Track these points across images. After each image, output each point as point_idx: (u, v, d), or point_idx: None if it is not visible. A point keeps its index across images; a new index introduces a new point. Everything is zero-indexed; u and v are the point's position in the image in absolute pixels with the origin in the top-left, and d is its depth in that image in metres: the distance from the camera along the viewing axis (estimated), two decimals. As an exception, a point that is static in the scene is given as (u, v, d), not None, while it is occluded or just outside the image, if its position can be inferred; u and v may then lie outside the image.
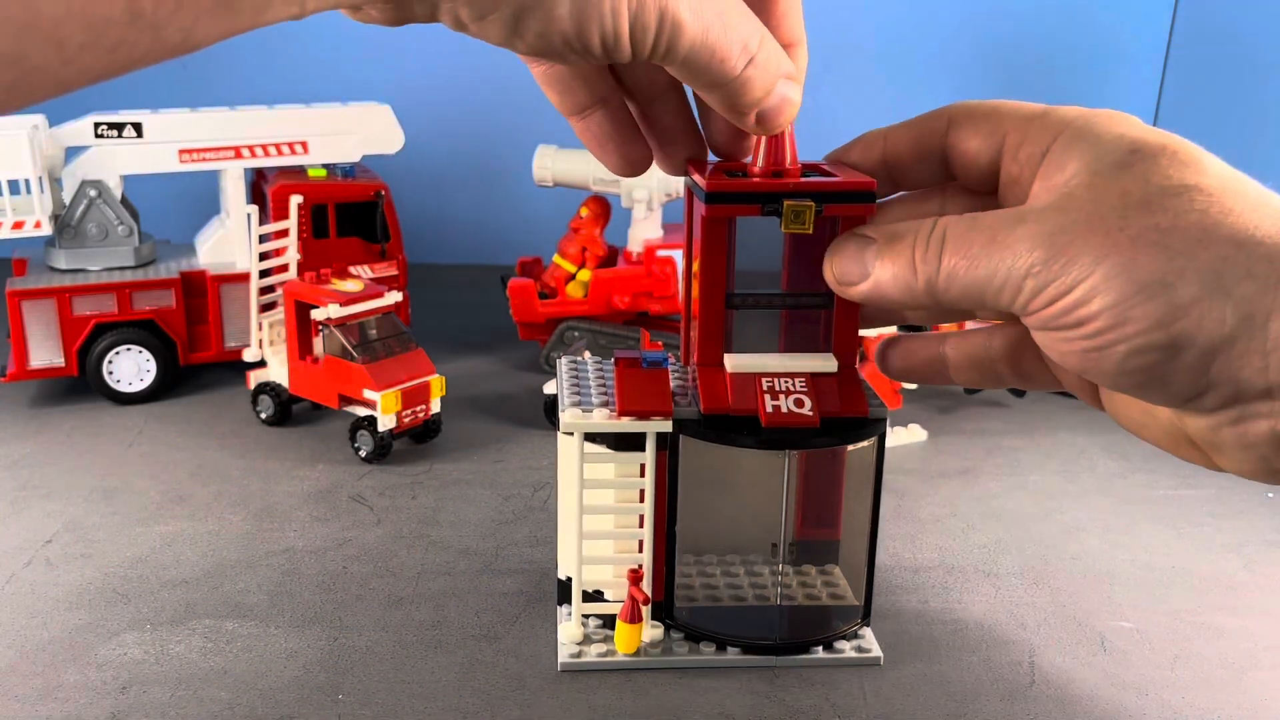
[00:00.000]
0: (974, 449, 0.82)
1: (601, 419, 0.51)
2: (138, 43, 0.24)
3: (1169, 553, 0.67)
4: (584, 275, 0.93)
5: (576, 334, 0.93)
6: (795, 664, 0.54)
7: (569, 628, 0.55)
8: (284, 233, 0.88)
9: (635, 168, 0.43)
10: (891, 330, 0.75)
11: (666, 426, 0.51)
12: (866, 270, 0.40)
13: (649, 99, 0.43)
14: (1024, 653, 0.56)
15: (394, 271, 0.98)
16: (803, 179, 0.45)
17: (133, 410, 0.87)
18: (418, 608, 0.59)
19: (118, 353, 0.88)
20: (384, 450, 0.76)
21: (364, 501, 0.71)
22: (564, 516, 0.54)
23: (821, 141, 0.47)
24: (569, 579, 0.54)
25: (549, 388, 0.84)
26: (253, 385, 0.85)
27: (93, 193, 0.89)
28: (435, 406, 0.79)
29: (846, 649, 0.54)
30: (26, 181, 0.88)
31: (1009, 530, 0.69)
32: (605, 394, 0.54)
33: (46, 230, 0.89)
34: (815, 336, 0.50)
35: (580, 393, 0.54)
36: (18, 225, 0.88)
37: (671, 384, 0.52)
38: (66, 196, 0.90)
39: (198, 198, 1.07)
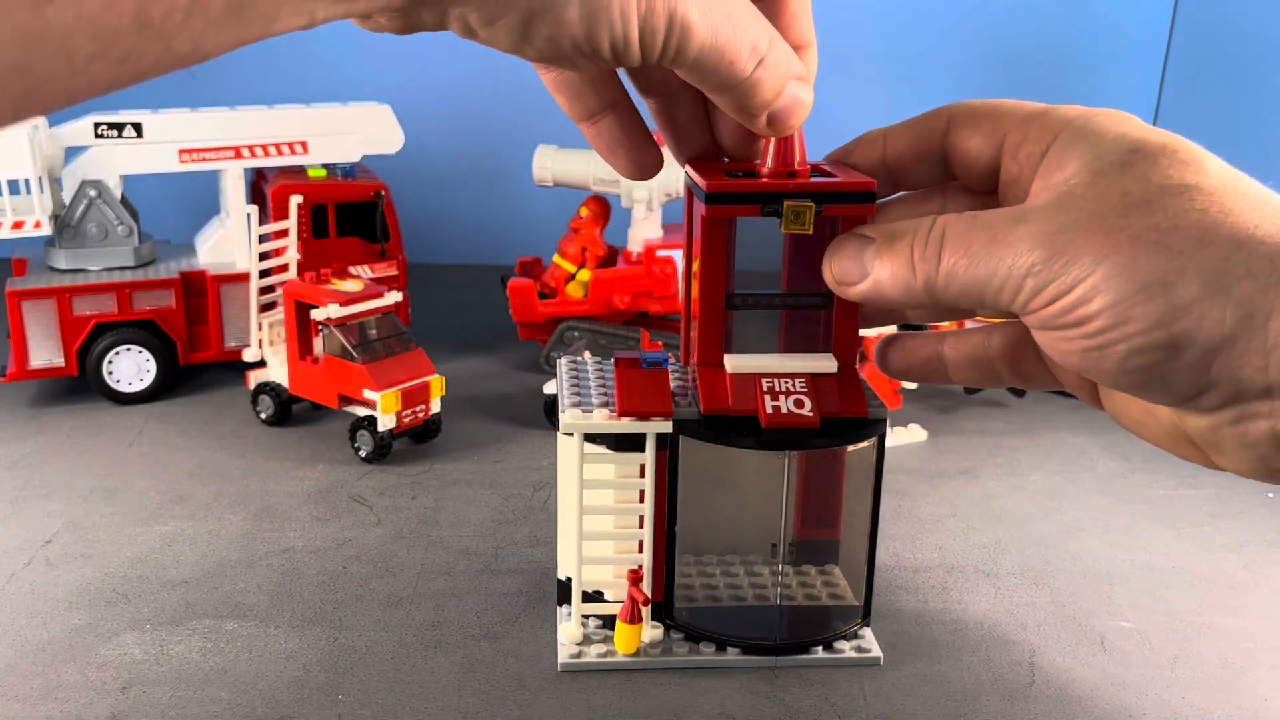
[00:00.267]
0: (974, 449, 0.82)
1: (601, 419, 0.51)
2: (147, 53, 0.24)
3: (1169, 553, 0.67)
4: (584, 275, 0.93)
5: (576, 334, 0.93)
6: (795, 664, 0.54)
7: (569, 628, 0.55)
8: (284, 233, 0.88)
9: (646, 171, 0.43)
10: (891, 329, 0.75)
11: (666, 427, 0.51)
12: (866, 270, 0.40)
13: (666, 95, 0.43)
14: (1024, 653, 0.56)
15: (394, 271, 0.98)
16: (804, 179, 0.45)
17: (133, 410, 0.87)
18: (418, 608, 0.59)
19: (118, 353, 0.88)
20: (384, 450, 0.76)
21: (364, 501, 0.71)
22: (564, 517, 0.54)
23: (822, 141, 0.47)
24: (569, 579, 0.54)
25: (549, 388, 0.84)
26: (253, 385, 0.85)
27: (93, 193, 0.89)
28: (435, 406, 0.79)
29: (846, 649, 0.54)
30: (26, 181, 0.88)
31: (1009, 530, 0.69)
32: (605, 394, 0.54)
33: (46, 230, 0.89)
34: (815, 337, 0.50)
35: (580, 393, 0.54)
36: (18, 225, 0.88)
37: (671, 384, 0.52)
38: (66, 196, 0.90)
39: (198, 198, 1.07)
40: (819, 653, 0.54)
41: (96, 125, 0.89)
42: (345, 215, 0.96)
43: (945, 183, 0.44)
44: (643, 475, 0.52)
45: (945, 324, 0.78)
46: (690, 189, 0.48)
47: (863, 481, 0.53)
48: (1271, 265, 0.32)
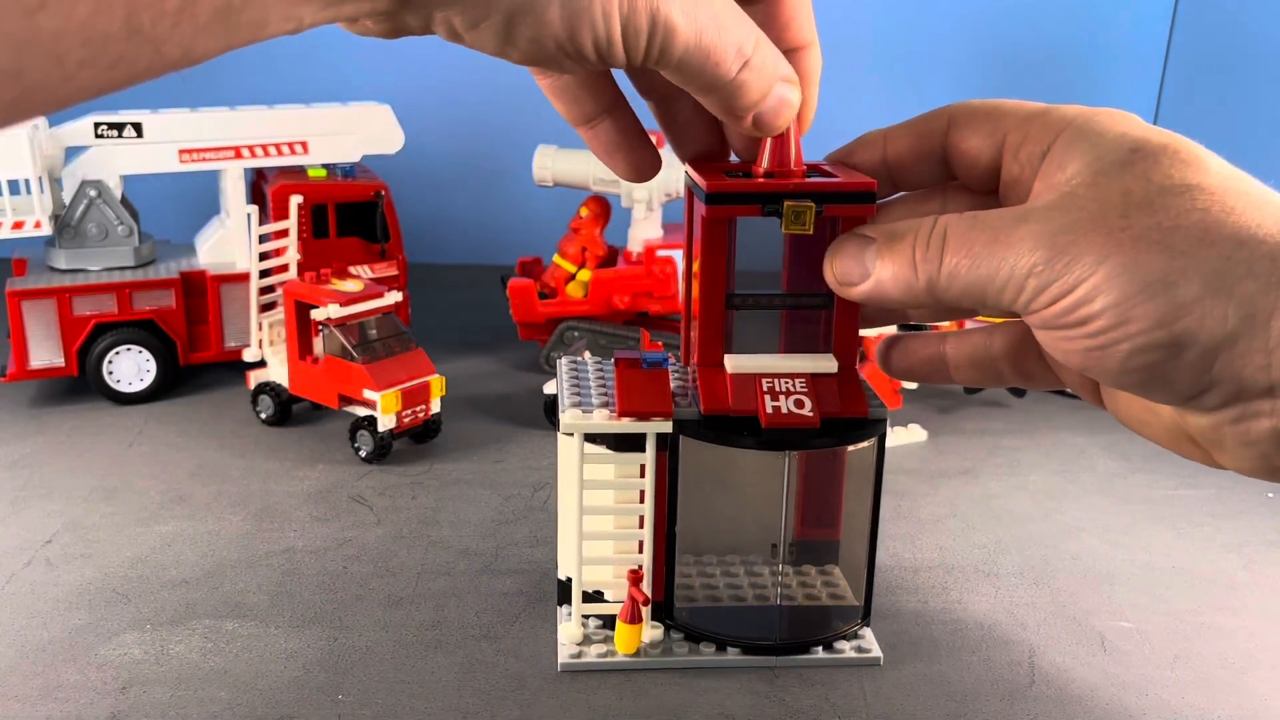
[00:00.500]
0: (974, 449, 0.82)
1: (601, 420, 0.51)
2: (138, 58, 0.24)
3: (1169, 553, 0.67)
4: (584, 275, 0.93)
5: (576, 334, 0.93)
6: (795, 664, 0.54)
7: (569, 628, 0.55)
8: (284, 233, 0.88)
9: (644, 174, 0.43)
10: (892, 330, 0.75)
11: (666, 427, 0.51)
12: (867, 270, 0.40)
13: (666, 96, 0.43)
14: (1024, 653, 0.56)
15: (394, 271, 0.98)
16: (803, 179, 0.45)
17: (133, 410, 0.87)
18: (418, 608, 0.59)
19: (118, 353, 0.88)
20: (384, 450, 0.76)
21: (364, 501, 0.71)
22: (564, 517, 0.54)
23: (822, 141, 0.47)
24: (569, 579, 0.54)
25: (549, 388, 0.84)
26: (253, 385, 0.85)
27: (93, 193, 0.89)
28: (435, 406, 0.79)
29: (846, 649, 0.54)
30: (26, 181, 0.88)
31: (1009, 530, 0.69)
32: (605, 394, 0.54)
33: (46, 230, 0.89)
34: (815, 337, 0.50)
35: (580, 393, 0.54)
36: (18, 225, 0.88)
37: (671, 384, 0.52)
38: (66, 196, 0.90)
39: (198, 198, 1.07)
40: (819, 653, 0.54)
41: (96, 125, 0.89)
42: (345, 215, 0.96)
43: (946, 183, 0.44)
44: (643, 475, 0.52)
45: (945, 324, 0.78)
46: (690, 189, 0.48)
47: (863, 481, 0.53)
48: (1273, 264, 0.32)
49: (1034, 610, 0.60)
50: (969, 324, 0.76)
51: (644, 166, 0.43)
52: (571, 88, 0.40)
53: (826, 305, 0.49)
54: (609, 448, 0.52)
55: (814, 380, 0.49)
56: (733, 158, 0.46)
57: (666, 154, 0.47)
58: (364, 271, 0.95)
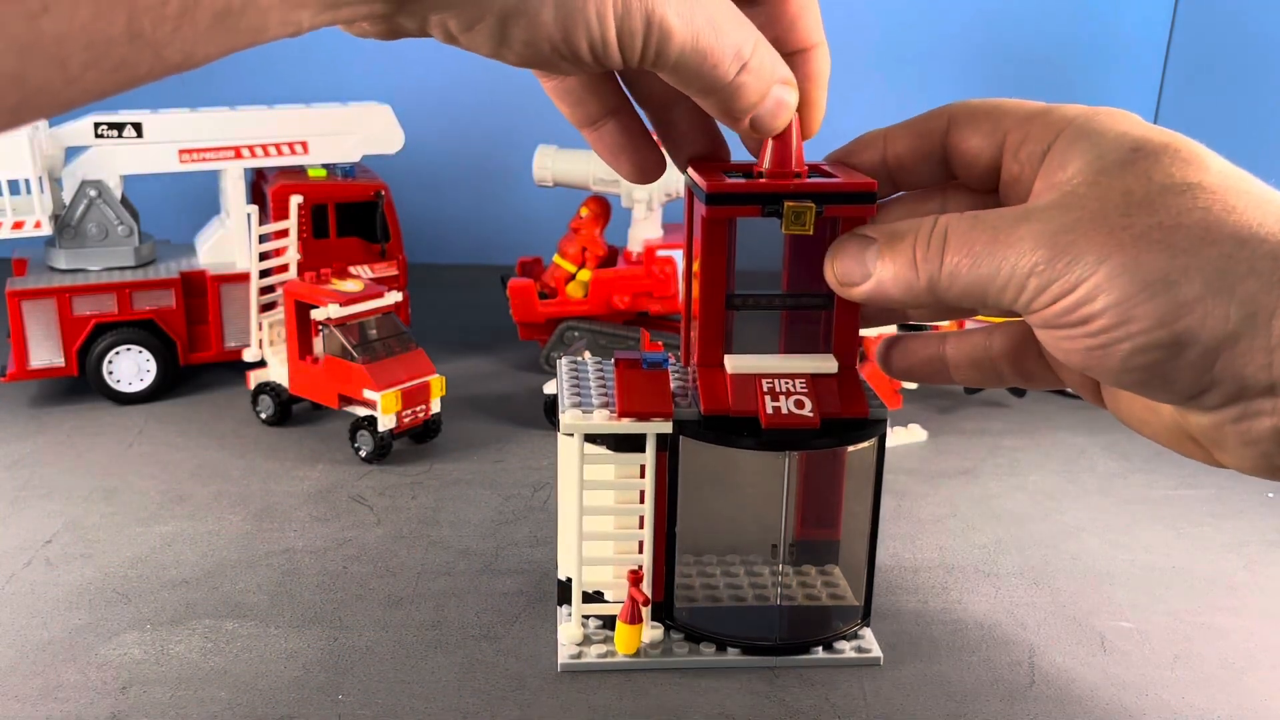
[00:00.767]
0: (974, 449, 0.82)
1: (602, 420, 0.51)
2: (139, 62, 0.24)
3: (1169, 553, 0.67)
4: (584, 275, 0.93)
5: (576, 334, 0.93)
6: (795, 664, 0.54)
7: (569, 628, 0.55)
8: (284, 233, 0.88)
9: (648, 175, 0.43)
10: (892, 330, 0.75)
11: (667, 427, 0.51)
12: (868, 270, 0.40)
13: (662, 105, 0.43)
14: (1024, 653, 0.56)
15: (394, 271, 0.98)
16: (803, 180, 0.45)
17: (133, 410, 0.87)
18: (418, 608, 0.59)
19: (118, 353, 0.88)
20: (384, 450, 0.76)
21: (364, 501, 0.71)
22: (564, 517, 0.54)
23: (823, 141, 0.47)
24: (569, 579, 0.54)
25: (549, 388, 0.84)
26: (253, 385, 0.85)
27: (93, 193, 0.89)
28: (435, 406, 0.79)
29: (846, 649, 0.54)
30: (26, 181, 0.88)
31: (1009, 530, 0.69)
32: (605, 395, 0.54)
33: (46, 230, 0.89)
34: (815, 337, 0.50)
35: (580, 393, 0.54)
36: (18, 225, 0.88)
37: (671, 385, 0.52)
38: (66, 196, 0.90)
39: (198, 198, 1.07)
40: (819, 653, 0.54)
41: (96, 125, 0.89)
42: (345, 215, 0.96)
43: (946, 182, 0.44)
44: (643, 476, 0.52)
45: (945, 324, 0.78)
46: (690, 189, 0.48)
47: (863, 481, 0.53)
48: (1275, 263, 0.32)
49: (1034, 610, 0.60)
50: (969, 324, 0.76)
51: (648, 168, 0.43)
52: (575, 90, 0.41)
53: (826, 305, 0.49)
54: (609, 448, 0.52)
55: (814, 380, 0.49)
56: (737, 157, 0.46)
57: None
58: (364, 271, 0.95)
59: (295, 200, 0.89)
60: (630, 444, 0.52)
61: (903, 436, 0.82)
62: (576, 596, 0.54)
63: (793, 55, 0.40)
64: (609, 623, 0.55)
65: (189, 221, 1.03)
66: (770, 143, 0.44)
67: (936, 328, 0.78)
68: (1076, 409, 0.90)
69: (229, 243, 0.94)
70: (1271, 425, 0.34)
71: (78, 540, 0.65)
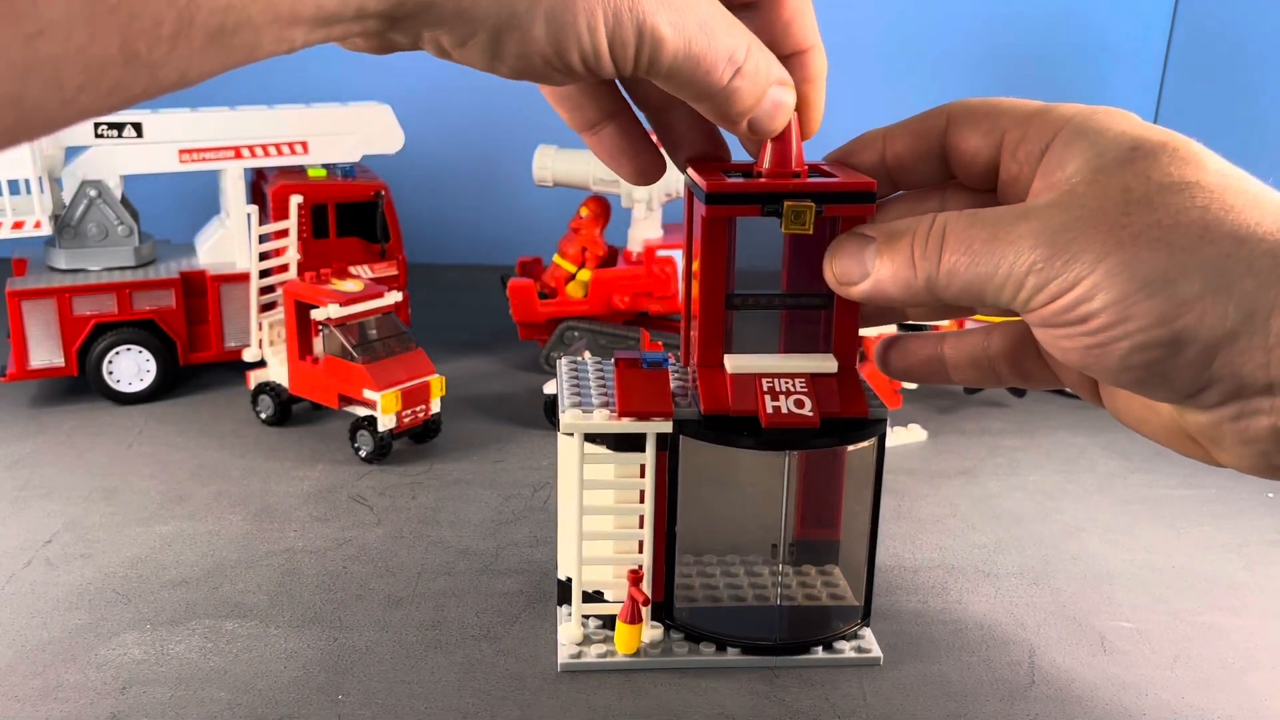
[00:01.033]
0: (974, 449, 0.82)
1: (601, 420, 0.51)
2: (135, 82, 0.24)
3: (1169, 553, 0.67)
4: (584, 275, 0.93)
5: (576, 334, 0.93)
6: (795, 664, 0.54)
7: (569, 628, 0.55)
8: (284, 233, 0.88)
9: (649, 177, 0.43)
10: (891, 329, 0.75)
11: (666, 427, 0.51)
12: (866, 269, 0.40)
13: (660, 108, 0.43)
14: (1024, 653, 0.56)
15: (394, 271, 0.98)
16: (803, 179, 0.45)
17: (133, 410, 0.87)
18: (418, 608, 0.59)
19: (118, 353, 0.88)
20: (384, 450, 0.76)
21: (364, 501, 0.71)
22: (564, 517, 0.54)
23: (822, 141, 0.47)
24: (569, 579, 0.54)
25: (549, 388, 0.84)
26: (253, 385, 0.85)
27: (93, 193, 0.89)
28: (435, 406, 0.79)
29: (846, 649, 0.54)
30: (26, 181, 0.88)
31: (1009, 530, 0.69)
32: (605, 394, 0.54)
33: (46, 230, 0.89)
34: (815, 337, 0.50)
35: (580, 393, 0.54)
36: (18, 225, 0.88)
37: (671, 384, 0.52)
38: (66, 196, 0.90)
39: (198, 198, 1.07)
40: (819, 653, 0.54)
41: (96, 125, 0.89)
42: (345, 215, 0.96)
43: (945, 182, 0.44)
44: (643, 475, 0.52)
45: (945, 324, 0.78)
46: (690, 189, 0.48)
47: (863, 481, 0.53)
48: (1273, 262, 0.32)
49: (1034, 610, 0.60)
50: (968, 324, 0.76)
51: (649, 170, 0.43)
52: (574, 95, 0.41)
53: (826, 305, 0.49)
54: (609, 448, 0.52)
55: (814, 380, 0.49)
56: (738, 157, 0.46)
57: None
58: (364, 271, 0.95)
59: (295, 200, 0.89)
60: (630, 443, 0.52)
61: (903, 436, 0.82)
62: (576, 596, 0.54)
63: (789, 58, 0.40)
64: (609, 622, 0.55)
65: (189, 221, 1.03)
66: (770, 143, 0.44)
67: (936, 328, 0.78)
68: (1076, 409, 0.90)
69: (229, 243, 0.95)
70: (1270, 424, 0.34)
71: (78, 540, 0.65)
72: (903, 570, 0.64)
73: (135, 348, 0.89)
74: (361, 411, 0.78)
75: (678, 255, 0.91)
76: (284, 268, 0.88)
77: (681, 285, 0.57)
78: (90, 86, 0.23)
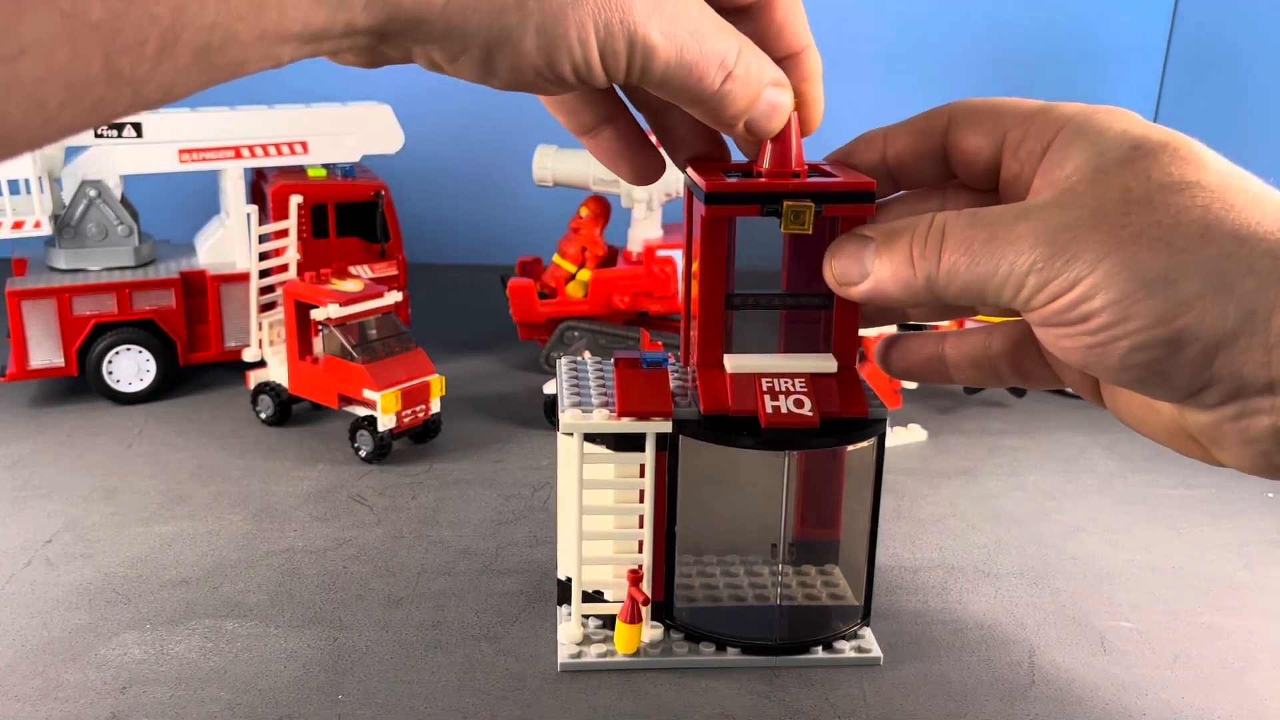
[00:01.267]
0: (974, 449, 0.82)
1: (601, 419, 0.51)
2: (118, 99, 0.24)
3: (1169, 553, 0.67)
4: (584, 275, 0.93)
5: (576, 334, 0.93)
6: (795, 664, 0.54)
7: (569, 628, 0.55)
8: (284, 233, 0.88)
9: (648, 178, 0.43)
10: (891, 330, 0.75)
11: (666, 427, 0.51)
12: (865, 269, 0.40)
13: (658, 111, 0.43)
14: (1024, 653, 0.56)
15: (394, 271, 0.98)
16: (803, 179, 0.45)
17: (133, 410, 0.87)
18: (418, 608, 0.59)
19: (118, 353, 0.88)
20: (384, 450, 0.76)
21: (364, 501, 0.71)
22: (564, 517, 0.54)
23: (822, 141, 0.47)
24: (569, 579, 0.54)
25: (549, 388, 0.84)
26: (253, 385, 0.85)
27: (92, 193, 0.89)
28: (435, 406, 0.79)
29: (846, 649, 0.54)
30: (26, 181, 0.88)
31: (1009, 530, 0.69)
32: (605, 394, 0.54)
33: (46, 230, 0.89)
34: (815, 336, 0.50)
35: (580, 393, 0.54)
36: (18, 225, 0.88)
37: (671, 384, 0.52)
38: (66, 196, 0.90)
39: (198, 198, 1.07)
40: (819, 653, 0.54)
41: (96, 125, 0.89)
42: (345, 215, 0.96)
43: (946, 182, 0.44)
44: (642, 475, 0.52)
45: (945, 324, 0.78)
46: (690, 189, 0.48)
47: (863, 481, 0.53)
48: (1274, 262, 0.32)
49: (1034, 610, 0.60)
50: (968, 324, 0.76)
51: (648, 170, 0.43)
52: (570, 101, 0.41)
53: (826, 305, 0.49)
54: (609, 447, 0.52)
55: (814, 380, 0.49)
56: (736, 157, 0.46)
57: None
58: (364, 271, 0.95)
59: (295, 200, 0.89)
60: (630, 443, 0.52)
61: (903, 436, 0.82)
62: (576, 596, 0.54)
63: (785, 60, 0.40)
64: (609, 622, 0.55)
65: (189, 221, 1.03)
66: (769, 143, 0.44)
67: (936, 328, 0.78)
68: (1076, 409, 0.89)
69: (229, 243, 0.95)
70: (1270, 424, 0.34)
71: (78, 540, 0.65)
72: (903, 570, 0.64)
73: (135, 348, 0.89)
74: (361, 411, 0.78)
75: (678, 255, 0.91)
76: (284, 268, 0.88)
77: (681, 285, 0.57)
78: (72, 104, 0.23)
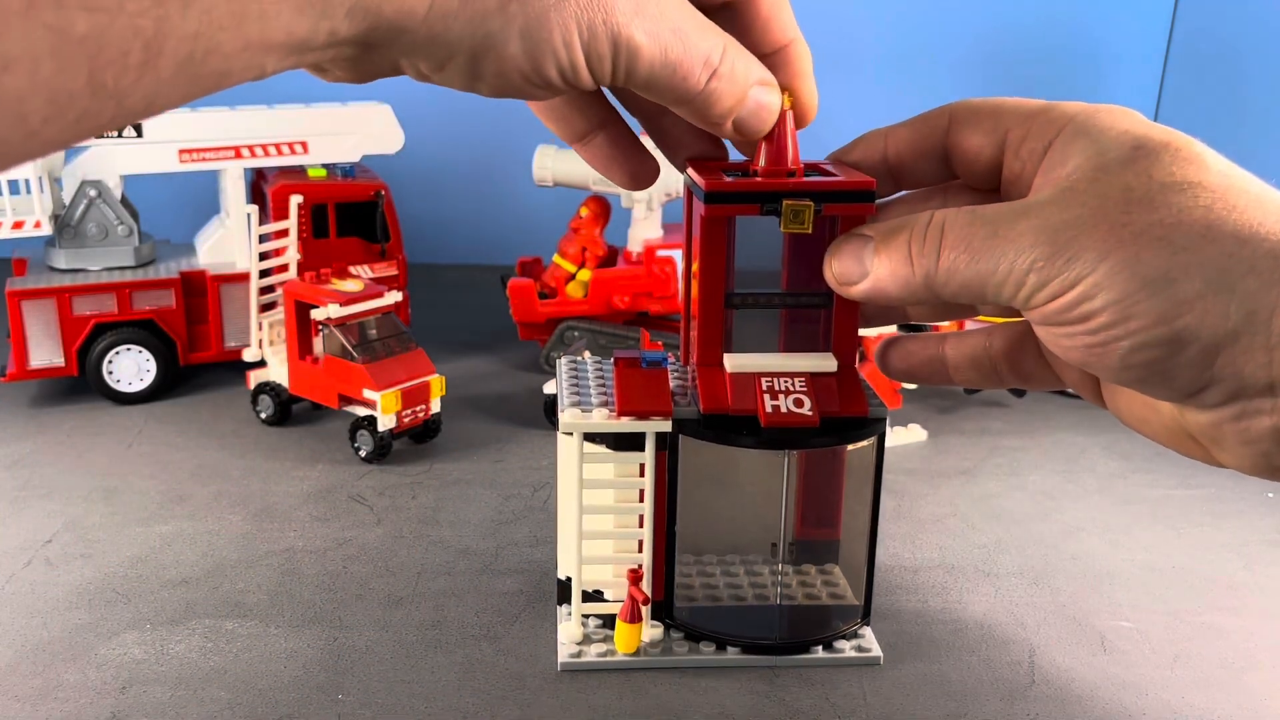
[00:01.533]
0: (974, 449, 0.82)
1: (601, 419, 0.51)
2: (101, 112, 0.24)
3: (1169, 553, 0.67)
4: (584, 275, 0.93)
5: (576, 334, 0.93)
6: (795, 664, 0.54)
7: (569, 628, 0.55)
8: (284, 233, 0.88)
9: (642, 182, 0.44)
10: (891, 330, 0.75)
11: (666, 426, 0.51)
12: (865, 268, 0.40)
13: (652, 114, 0.43)
14: (1024, 653, 0.56)
15: (394, 271, 0.98)
16: (802, 178, 0.45)
17: (133, 410, 0.87)
18: (418, 608, 0.59)
19: (118, 353, 0.88)
20: (384, 450, 0.76)
21: (364, 501, 0.71)
22: (564, 516, 0.54)
23: (822, 141, 0.47)
24: (569, 579, 0.54)
25: (549, 388, 0.84)
26: (253, 385, 0.85)
27: (92, 193, 0.89)
28: (435, 406, 0.79)
29: (846, 649, 0.54)
30: (26, 181, 0.88)
31: (1009, 530, 0.69)
32: (605, 394, 0.54)
33: (46, 230, 0.89)
34: (815, 336, 0.50)
35: (580, 393, 0.54)
36: (18, 225, 0.88)
37: (671, 384, 0.52)
38: (66, 196, 0.90)
39: (198, 198, 1.07)
40: (819, 652, 0.54)
41: (96, 125, 0.89)
42: (345, 215, 0.96)
43: (947, 181, 0.44)
44: (642, 475, 0.52)
45: (945, 325, 0.78)
46: (690, 189, 0.48)
47: (863, 481, 0.53)
48: (1275, 262, 0.32)
49: (1034, 610, 0.60)
50: (969, 324, 0.76)
51: (642, 175, 0.43)
52: (561, 108, 0.41)
53: (826, 304, 0.49)
54: (608, 447, 0.52)
55: (813, 379, 0.49)
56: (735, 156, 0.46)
57: (664, 158, 0.47)
58: (364, 271, 0.95)
59: (295, 200, 0.89)
60: (630, 443, 0.52)
61: (903, 436, 0.82)
62: (576, 596, 0.54)
63: (772, 54, 0.40)
64: (609, 622, 0.55)
65: (189, 221, 1.03)
66: (763, 142, 0.44)
67: (937, 329, 0.78)
68: (1076, 409, 0.89)
69: (229, 243, 0.95)
70: (1270, 424, 0.34)
71: (78, 540, 0.65)
72: (903, 570, 0.64)
73: (135, 348, 0.89)
74: (361, 411, 0.78)
75: (678, 255, 0.91)
76: (284, 268, 0.88)
77: (681, 285, 0.57)
78: (56, 119, 0.23)
